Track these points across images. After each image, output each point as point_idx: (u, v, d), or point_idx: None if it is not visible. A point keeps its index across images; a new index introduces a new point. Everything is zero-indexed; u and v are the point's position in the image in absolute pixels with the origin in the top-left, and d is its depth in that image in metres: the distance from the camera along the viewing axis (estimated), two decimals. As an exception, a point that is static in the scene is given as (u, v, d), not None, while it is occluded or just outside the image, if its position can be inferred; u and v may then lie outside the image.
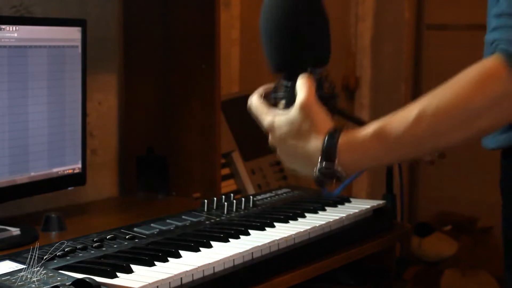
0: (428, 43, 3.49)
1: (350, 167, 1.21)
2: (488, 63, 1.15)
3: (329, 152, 1.20)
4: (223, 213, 1.76)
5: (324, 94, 1.30)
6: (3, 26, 1.72)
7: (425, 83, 3.47)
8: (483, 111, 1.13)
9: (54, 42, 1.85)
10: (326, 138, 1.21)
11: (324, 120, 1.23)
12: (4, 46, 1.73)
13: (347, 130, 1.22)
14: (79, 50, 1.91)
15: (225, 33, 2.59)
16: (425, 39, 3.50)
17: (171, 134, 2.24)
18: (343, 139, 1.20)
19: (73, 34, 1.89)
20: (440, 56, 3.44)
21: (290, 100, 1.28)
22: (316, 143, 1.22)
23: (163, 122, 2.25)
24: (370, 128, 1.20)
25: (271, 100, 1.34)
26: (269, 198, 1.92)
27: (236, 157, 2.54)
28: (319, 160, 1.21)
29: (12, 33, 1.74)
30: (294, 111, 1.24)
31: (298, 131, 1.23)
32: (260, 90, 1.36)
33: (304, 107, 1.23)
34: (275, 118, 1.27)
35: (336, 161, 1.20)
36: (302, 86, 1.25)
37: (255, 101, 1.33)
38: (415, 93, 3.48)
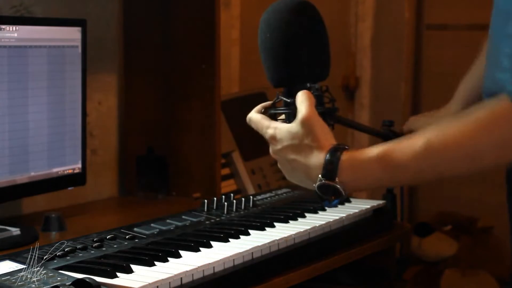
0: (428, 43, 3.49)
1: (350, 185, 1.22)
2: (497, 105, 1.16)
3: (330, 169, 1.21)
4: (223, 213, 1.76)
5: (324, 108, 1.30)
6: (3, 26, 1.72)
7: (425, 83, 3.47)
8: (489, 151, 1.15)
9: (54, 42, 1.85)
10: (328, 155, 1.21)
11: (326, 136, 1.24)
12: (4, 46, 1.73)
13: (350, 149, 1.22)
14: (79, 50, 1.91)
15: (225, 33, 2.59)
16: (425, 39, 3.49)
17: (171, 134, 2.24)
18: (345, 157, 1.21)
19: (73, 34, 1.89)
20: (440, 56, 3.44)
21: (290, 116, 1.28)
22: (317, 159, 1.22)
23: (163, 122, 2.25)
24: (374, 150, 1.21)
25: (270, 115, 1.34)
26: (269, 198, 1.92)
27: (236, 157, 2.54)
28: (320, 176, 1.22)
29: (12, 33, 1.74)
30: (296, 126, 1.24)
31: (300, 145, 1.24)
32: (259, 106, 1.36)
33: (305, 122, 1.23)
34: (276, 131, 1.27)
35: (337, 179, 1.21)
36: (303, 102, 1.25)
37: (255, 115, 1.33)
38: (415, 93, 3.48)
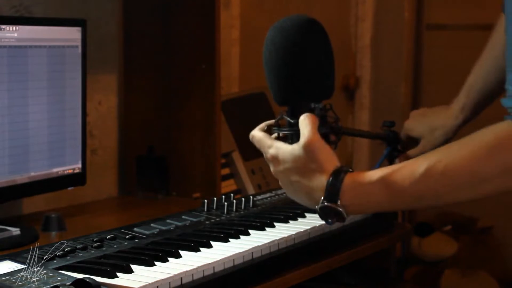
0: (428, 43, 3.49)
1: (351, 209, 1.22)
2: (502, 131, 1.15)
3: (332, 192, 1.21)
4: (223, 213, 1.76)
5: (328, 129, 1.30)
6: (3, 26, 1.72)
7: (425, 83, 3.47)
8: (492, 178, 1.14)
9: (54, 42, 1.85)
10: (330, 178, 1.21)
11: (329, 159, 1.23)
12: (4, 46, 1.73)
13: (352, 172, 1.22)
14: (79, 50, 1.91)
15: (225, 33, 2.59)
16: (425, 39, 3.49)
17: (171, 134, 2.24)
18: (347, 180, 1.21)
19: (73, 34, 1.89)
20: (440, 56, 3.44)
21: (293, 136, 1.28)
22: (320, 182, 1.22)
23: (163, 122, 2.25)
24: (376, 174, 1.21)
25: (273, 134, 1.33)
26: (269, 198, 1.92)
27: (236, 157, 2.54)
28: (322, 198, 1.22)
29: (12, 33, 1.74)
30: (298, 149, 1.23)
31: (303, 168, 1.23)
32: (262, 124, 1.36)
33: (308, 147, 1.23)
34: (279, 151, 1.26)
35: (339, 202, 1.21)
36: (306, 125, 1.24)
37: (257, 133, 1.33)
38: (415, 93, 3.48)
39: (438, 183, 1.16)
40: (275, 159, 1.27)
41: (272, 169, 1.29)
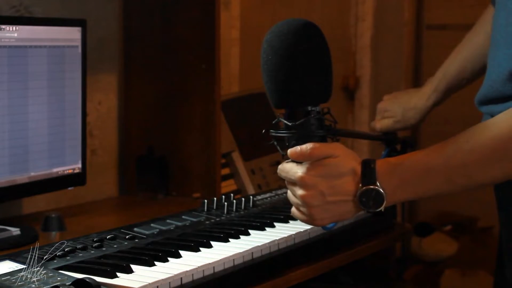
0: (428, 43, 3.49)
1: (389, 190, 1.23)
2: None
3: (368, 175, 1.23)
4: (223, 213, 1.76)
5: (325, 132, 1.30)
6: (3, 26, 1.72)
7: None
8: None
9: (54, 42, 1.85)
10: (362, 165, 1.23)
11: (353, 155, 1.25)
12: (4, 46, 1.73)
13: (381, 159, 1.25)
14: (79, 50, 1.91)
15: (225, 33, 2.59)
16: (425, 39, 3.49)
17: (171, 134, 2.24)
18: (380, 163, 1.23)
19: (73, 34, 1.89)
20: (440, 56, 3.43)
21: (291, 139, 1.28)
22: (354, 176, 1.23)
23: (163, 122, 2.25)
24: (405, 156, 1.25)
25: (271, 138, 1.33)
26: (269, 198, 1.92)
27: (236, 157, 2.53)
28: (360, 185, 1.23)
29: (12, 33, 1.74)
30: (319, 165, 1.24)
31: (332, 175, 1.23)
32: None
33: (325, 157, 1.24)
34: (305, 175, 1.24)
35: (377, 183, 1.22)
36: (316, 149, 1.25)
37: (285, 164, 1.30)
38: (415, 93, 3.47)
39: (467, 160, 1.20)
40: (304, 181, 1.24)
41: (301, 192, 1.25)
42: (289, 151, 1.26)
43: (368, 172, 1.23)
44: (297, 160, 1.26)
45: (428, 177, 1.23)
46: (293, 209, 1.29)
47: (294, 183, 1.26)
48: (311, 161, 1.24)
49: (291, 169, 1.26)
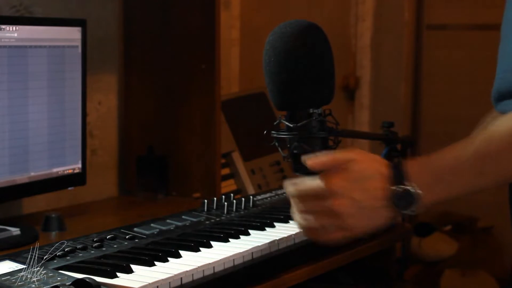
0: (428, 43, 3.49)
1: (424, 189, 1.19)
2: None
3: (398, 175, 1.20)
4: (223, 213, 1.76)
5: (327, 133, 1.30)
6: (3, 26, 1.72)
7: (425, 83, 3.47)
8: None
9: (54, 42, 1.85)
10: (390, 166, 1.20)
11: (376, 157, 1.23)
12: (4, 46, 1.73)
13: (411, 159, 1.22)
14: (79, 50, 1.91)
15: (225, 33, 2.59)
16: (425, 39, 3.50)
17: (171, 134, 2.24)
18: (409, 162, 1.21)
19: (73, 34, 1.89)
20: (440, 56, 3.44)
21: (292, 140, 1.28)
22: (381, 177, 1.20)
23: (163, 122, 2.25)
24: (433, 154, 1.21)
25: (272, 139, 1.32)
26: (269, 198, 1.92)
27: (236, 157, 2.54)
28: (391, 185, 1.19)
29: (12, 33, 1.74)
30: (343, 171, 1.20)
31: (360, 179, 1.20)
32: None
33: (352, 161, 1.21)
34: (332, 183, 1.21)
35: (409, 182, 1.19)
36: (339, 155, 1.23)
37: (299, 185, 1.25)
38: (415, 93, 3.48)
39: (498, 147, 1.18)
40: (333, 190, 1.20)
41: (332, 203, 1.20)
42: (309, 162, 1.22)
43: (396, 172, 1.19)
44: (319, 170, 1.21)
45: (460, 171, 1.19)
46: (323, 235, 1.23)
47: (318, 199, 1.20)
48: (334, 169, 1.20)
49: (311, 184, 1.22)
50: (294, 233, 1.59)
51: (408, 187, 1.19)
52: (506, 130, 1.19)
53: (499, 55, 1.34)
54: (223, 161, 2.41)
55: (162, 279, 1.28)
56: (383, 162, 1.22)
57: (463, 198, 1.27)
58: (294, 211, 1.27)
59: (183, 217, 1.71)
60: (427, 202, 1.20)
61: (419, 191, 1.19)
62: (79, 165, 1.95)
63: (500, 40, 1.36)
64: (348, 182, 1.20)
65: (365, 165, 1.21)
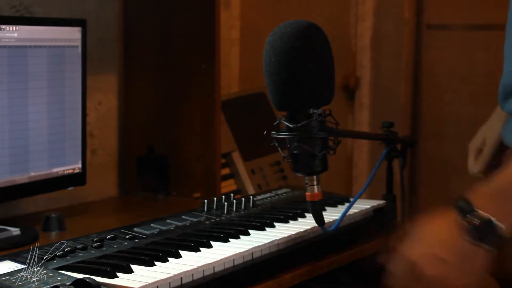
0: (428, 43, 3.49)
1: (492, 211, 1.18)
2: None
3: (463, 206, 1.19)
4: (223, 213, 1.76)
5: (327, 133, 1.30)
6: (3, 26, 1.72)
7: (425, 83, 3.47)
8: None
9: (54, 42, 1.85)
10: (452, 204, 1.20)
11: (434, 216, 1.23)
12: (4, 46, 1.73)
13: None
14: (79, 50, 1.91)
15: (225, 33, 2.59)
16: (425, 39, 3.49)
17: (171, 134, 2.24)
18: (469, 194, 1.19)
19: (73, 34, 1.89)
20: (440, 56, 3.44)
21: (292, 141, 1.28)
22: (449, 223, 1.20)
23: (163, 122, 2.25)
24: (493, 178, 1.20)
25: (272, 139, 1.32)
26: (269, 198, 1.92)
27: (236, 157, 2.54)
28: (461, 220, 1.18)
29: (12, 33, 1.74)
30: (414, 240, 1.21)
31: (432, 237, 1.21)
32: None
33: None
34: (411, 256, 1.22)
35: (478, 210, 1.17)
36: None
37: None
38: (415, 93, 3.48)
39: None
40: (414, 261, 1.21)
41: (422, 273, 1.21)
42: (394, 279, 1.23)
43: (460, 205, 1.18)
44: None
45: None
46: None
47: (409, 276, 1.21)
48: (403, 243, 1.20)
49: (396, 266, 1.23)
50: (294, 233, 1.59)
51: (473, 218, 1.18)
52: None
53: (504, 54, 1.34)
54: (223, 161, 2.41)
55: (162, 279, 1.28)
56: (441, 213, 1.20)
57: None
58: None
59: (183, 217, 1.71)
60: (504, 225, 1.19)
61: (492, 216, 1.17)
62: (79, 165, 1.95)
63: (505, 37, 1.35)
64: (423, 245, 1.20)
65: (427, 223, 1.21)
